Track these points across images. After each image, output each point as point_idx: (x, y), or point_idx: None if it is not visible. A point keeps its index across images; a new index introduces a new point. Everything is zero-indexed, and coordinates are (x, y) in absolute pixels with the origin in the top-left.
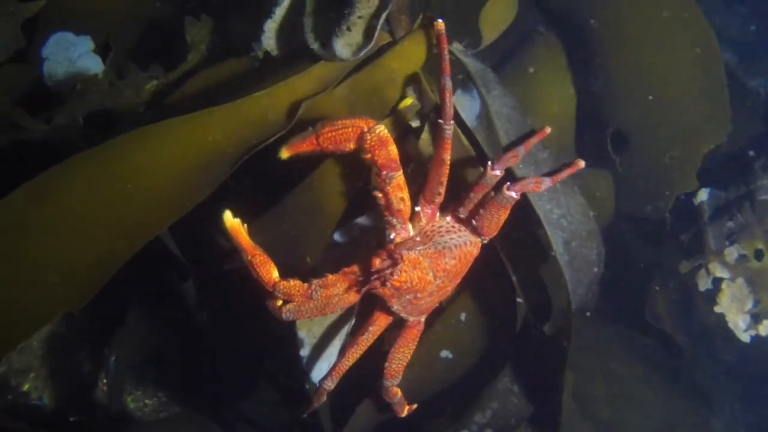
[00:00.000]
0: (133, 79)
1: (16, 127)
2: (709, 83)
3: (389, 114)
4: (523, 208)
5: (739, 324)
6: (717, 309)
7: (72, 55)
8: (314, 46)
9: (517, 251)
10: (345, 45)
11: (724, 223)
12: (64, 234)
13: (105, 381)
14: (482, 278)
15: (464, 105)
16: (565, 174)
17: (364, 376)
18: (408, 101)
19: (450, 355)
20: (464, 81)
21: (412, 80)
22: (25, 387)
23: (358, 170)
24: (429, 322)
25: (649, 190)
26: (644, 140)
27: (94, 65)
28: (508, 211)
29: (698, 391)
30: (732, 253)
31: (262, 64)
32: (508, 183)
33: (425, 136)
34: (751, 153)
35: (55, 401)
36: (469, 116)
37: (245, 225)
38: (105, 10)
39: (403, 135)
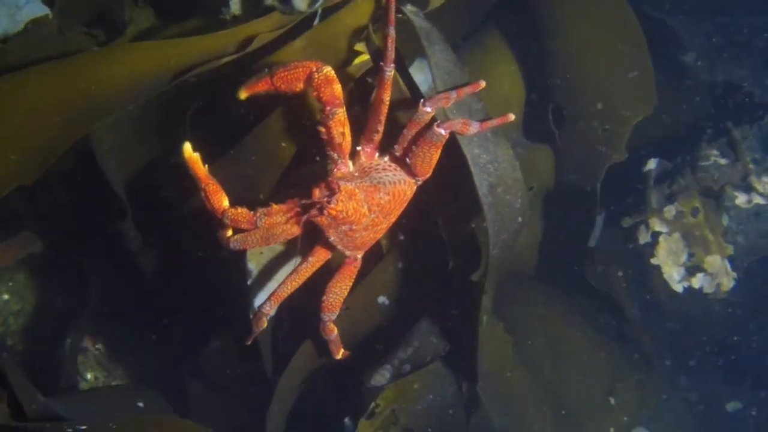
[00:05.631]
0: (79, 34)
1: None
2: (637, 66)
3: (343, 65)
4: (456, 158)
5: (673, 276)
6: (653, 261)
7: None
8: (273, 2)
9: (449, 202)
10: None
11: (667, 187)
12: (24, 122)
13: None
14: (418, 227)
15: (422, 70)
16: (495, 122)
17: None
18: (363, 57)
19: (386, 301)
20: (422, 48)
21: (362, 33)
22: None
23: (308, 114)
24: (369, 269)
25: (584, 162)
26: (579, 115)
27: (42, 12)
28: (438, 151)
29: (642, 352)
30: (671, 210)
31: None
32: (439, 121)
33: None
34: None
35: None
36: (426, 80)
37: (206, 165)
38: None
39: (356, 85)
